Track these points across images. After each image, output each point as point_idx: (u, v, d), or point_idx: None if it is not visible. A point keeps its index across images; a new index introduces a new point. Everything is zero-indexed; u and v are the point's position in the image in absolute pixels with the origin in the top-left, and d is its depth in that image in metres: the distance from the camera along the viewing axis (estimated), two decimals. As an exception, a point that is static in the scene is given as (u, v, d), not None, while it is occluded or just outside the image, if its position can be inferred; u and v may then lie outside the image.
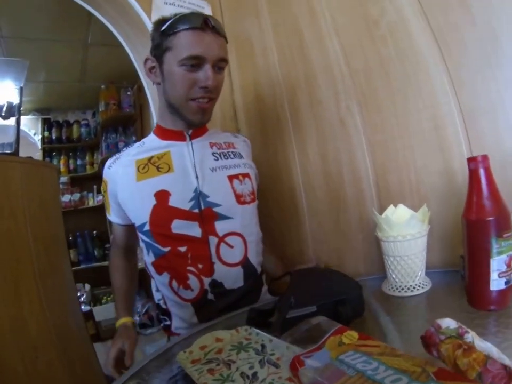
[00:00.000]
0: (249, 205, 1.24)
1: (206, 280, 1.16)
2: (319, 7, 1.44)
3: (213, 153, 1.25)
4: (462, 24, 1.08)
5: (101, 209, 4.64)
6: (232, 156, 1.28)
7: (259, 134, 1.67)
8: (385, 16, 1.25)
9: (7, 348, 1.45)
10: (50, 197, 2.00)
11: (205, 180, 1.19)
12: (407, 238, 0.98)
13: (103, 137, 4.52)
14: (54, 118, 5.14)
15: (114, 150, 4.34)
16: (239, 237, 1.21)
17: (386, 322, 0.87)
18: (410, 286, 1.01)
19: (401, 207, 1.10)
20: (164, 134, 1.26)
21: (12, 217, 1.58)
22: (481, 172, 0.81)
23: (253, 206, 1.28)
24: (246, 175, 1.27)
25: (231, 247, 1.19)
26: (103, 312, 3.89)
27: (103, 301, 4.17)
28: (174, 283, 1.18)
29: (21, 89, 2.01)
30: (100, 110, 4.44)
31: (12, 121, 1.95)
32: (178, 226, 1.15)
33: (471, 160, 0.83)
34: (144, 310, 3.78)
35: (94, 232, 4.86)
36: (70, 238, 4.68)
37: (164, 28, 1.11)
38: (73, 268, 4.13)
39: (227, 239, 1.19)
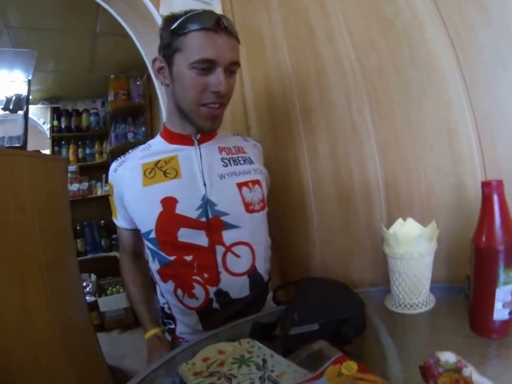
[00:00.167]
0: (258, 213, 1.21)
1: (212, 290, 1.14)
2: (329, 2, 1.39)
3: (222, 159, 1.21)
4: (477, 25, 1.03)
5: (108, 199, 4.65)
6: (241, 162, 1.24)
7: (269, 130, 1.64)
8: (400, 16, 1.19)
9: (12, 341, 1.46)
10: (58, 190, 2.01)
11: (213, 187, 1.15)
12: (414, 256, 0.96)
13: (112, 127, 4.51)
14: (63, 107, 5.13)
15: (123, 140, 4.37)
16: (246, 247, 1.18)
17: (388, 344, 0.85)
18: (414, 303, 0.99)
19: (410, 222, 1.06)
20: (172, 137, 1.22)
21: (19, 211, 1.59)
22: (495, 198, 0.78)
23: (262, 214, 1.24)
24: (256, 182, 1.23)
25: (238, 256, 1.16)
26: (107, 303, 3.90)
27: (108, 291, 4.16)
28: (179, 291, 1.16)
29: (29, 81, 2.00)
30: (109, 99, 4.42)
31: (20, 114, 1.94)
32: (185, 235, 1.12)
33: (485, 185, 0.80)
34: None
35: (102, 222, 4.85)
36: (78, 228, 4.70)
37: (173, 26, 1.05)
38: (79, 258, 4.20)
39: (234, 248, 1.16)
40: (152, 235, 1.14)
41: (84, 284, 4.12)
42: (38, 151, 2.06)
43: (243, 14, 1.75)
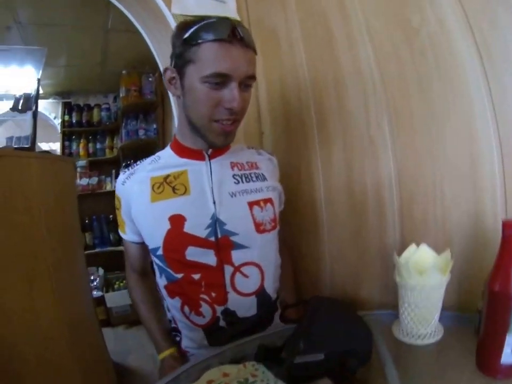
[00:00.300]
0: (269, 233, 1.16)
1: (219, 309, 1.11)
2: (351, 5, 1.31)
3: (233, 175, 1.16)
4: (509, 39, 0.96)
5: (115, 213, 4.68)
6: (254, 179, 1.18)
7: (283, 137, 1.59)
8: (426, 25, 1.11)
9: (18, 339, 1.49)
10: (65, 190, 2.02)
11: (223, 206, 1.11)
12: (426, 289, 0.93)
13: (123, 124, 4.48)
14: (75, 102, 5.13)
15: (134, 137, 4.35)
16: (255, 267, 1.14)
17: (392, 377, 0.82)
18: (422, 333, 0.96)
19: (423, 249, 1.02)
20: (182, 151, 1.17)
21: (26, 212, 1.59)
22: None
23: (273, 234, 1.20)
24: (268, 201, 1.18)
25: (247, 277, 1.13)
26: (114, 298, 3.92)
27: (116, 286, 4.20)
28: (186, 308, 1.14)
29: (38, 80, 1.99)
30: (121, 95, 4.39)
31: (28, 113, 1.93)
32: (193, 254, 1.09)
33: (507, 225, 0.76)
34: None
35: (111, 216, 4.85)
36: (86, 221, 4.72)
37: (186, 35, 0.99)
38: (88, 251, 4.30)
39: (243, 268, 1.12)
40: (160, 252, 1.11)
41: (92, 278, 4.17)
42: (48, 151, 2.06)
43: (258, 12, 1.69)
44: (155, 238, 1.11)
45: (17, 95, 1.87)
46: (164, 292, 1.19)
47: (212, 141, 1.08)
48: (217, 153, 1.17)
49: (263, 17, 1.67)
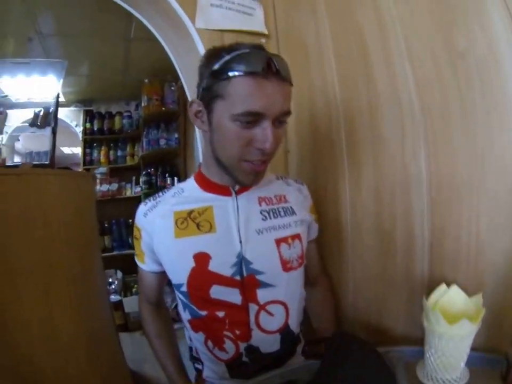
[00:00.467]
0: (295, 271, 1.12)
1: (242, 345, 1.09)
2: (390, 22, 1.21)
3: (261, 211, 1.10)
4: None
5: (137, 200, 4.73)
6: (282, 213, 1.13)
7: (309, 155, 1.51)
8: (474, 49, 1.01)
9: (36, 352, 1.48)
10: (84, 204, 2.03)
11: (249, 244, 1.06)
12: (455, 339, 0.88)
13: (145, 133, 4.48)
14: (97, 109, 5.17)
15: (156, 146, 4.34)
16: (281, 305, 1.11)
17: None
18: (447, 379, 0.92)
19: (454, 291, 0.96)
20: (208, 185, 1.11)
21: (44, 227, 1.60)
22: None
23: (300, 271, 1.16)
24: (296, 237, 1.12)
25: (272, 315, 1.09)
26: (132, 303, 3.91)
27: (134, 289, 4.23)
28: (209, 343, 1.12)
29: (57, 96, 2.01)
30: (143, 104, 4.38)
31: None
32: (218, 292, 1.05)
33: None
34: (174, 305, 3.81)
35: (130, 220, 4.88)
36: (106, 225, 4.79)
37: (215, 67, 0.92)
38: (106, 254, 4.40)
39: (268, 307, 1.09)
40: (184, 288, 1.08)
41: (110, 280, 4.21)
42: (68, 167, 2.08)
43: (287, 24, 1.61)
44: (179, 274, 1.08)
45: (36, 111, 1.89)
46: (187, 325, 1.17)
47: (240, 180, 1.03)
48: (245, 188, 1.11)
49: (292, 29, 1.58)
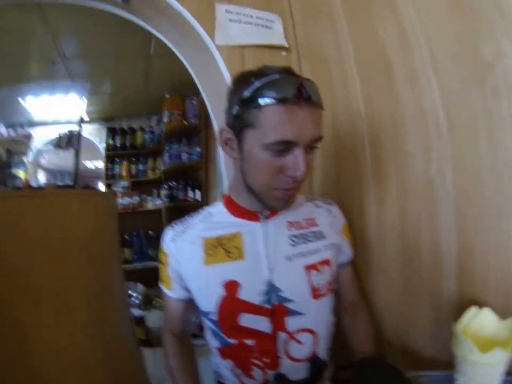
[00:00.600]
0: (324, 297, 1.09)
1: (270, 373, 1.06)
2: (412, 34, 1.16)
3: (290, 237, 1.07)
4: None
5: (158, 213, 4.84)
6: (312, 238, 1.10)
7: (333, 171, 1.48)
8: (501, 58, 0.95)
9: (55, 371, 1.52)
10: (105, 223, 2.08)
11: (278, 271, 1.04)
12: (487, 367, 0.85)
13: (166, 147, 4.51)
14: (119, 126, 5.24)
15: (177, 160, 4.37)
16: (310, 333, 1.07)
17: None
18: None
19: (485, 314, 0.92)
20: (236, 210, 1.10)
21: (65, 247, 1.65)
22: None
23: (329, 297, 1.12)
24: (325, 262, 1.09)
25: (300, 343, 1.06)
26: (154, 318, 3.91)
27: (154, 302, 4.22)
28: (237, 370, 1.09)
29: (81, 118, 2.07)
30: (164, 119, 4.41)
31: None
32: (247, 320, 1.03)
33: None
34: (198, 320, 3.78)
35: (150, 232, 4.96)
36: (126, 237, 4.84)
37: (245, 94, 0.90)
38: (127, 266, 4.40)
39: (297, 335, 1.06)
40: (212, 316, 1.06)
41: (130, 292, 4.24)
42: (89, 186, 2.13)
43: (307, 36, 1.59)
44: (208, 302, 1.07)
45: (60, 133, 1.95)
46: (214, 351, 1.14)
47: (271, 206, 1.01)
48: (273, 213, 1.09)
49: (313, 41, 1.56)
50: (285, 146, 0.88)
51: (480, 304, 0.95)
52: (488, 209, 1.01)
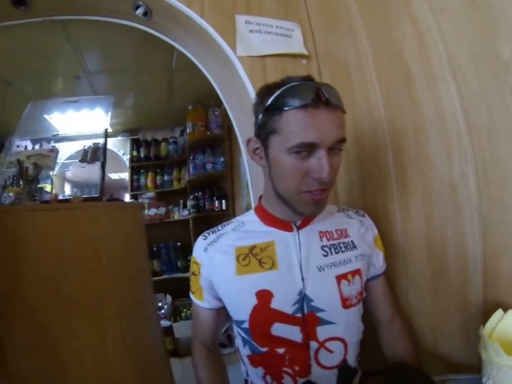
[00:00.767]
0: (355, 307, 1.10)
1: (301, 380, 1.06)
2: (429, 35, 1.15)
3: (322, 247, 1.09)
4: None
5: (186, 223, 4.81)
6: (343, 249, 1.11)
7: (357, 178, 1.49)
8: None
9: (87, 381, 1.53)
10: (134, 234, 2.10)
11: (311, 281, 1.05)
12: None
13: (191, 158, 4.54)
14: (143, 137, 5.30)
15: (202, 170, 4.38)
16: (340, 342, 1.08)
17: None
18: None
19: (511, 317, 0.92)
20: (269, 219, 1.11)
21: (96, 259, 1.67)
22: None
23: (359, 307, 1.12)
24: (356, 273, 1.10)
25: (331, 352, 1.07)
26: (182, 328, 3.94)
27: (183, 314, 4.24)
28: (268, 378, 1.10)
29: (106, 131, 2.08)
30: (188, 130, 4.45)
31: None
32: (279, 329, 1.04)
33: None
34: (223, 329, 3.76)
35: (178, 243, 4.94)
36: (154, 249, 4.83)
37: (267, 104, 0.95)
38: (155, 278, 4.36)
39: (327, 344, 1.06)
40: (245, 325, 1.07)
41: (160, 304, 4.25)
42: (118, 199, 2.15)
43: (326, 44, 1.61)
44: (241, 311, 1.08)
45: (85, 147, 1.97)
46: (245, 360, 1.14)
47: (301, 212, 1.02)
48: (306, 223, 1.10)
49: (332, 48, 1.58)
50: (307, 149, 0.91)
51: (507, 307, 0.94)
52: (510, 211, 1.00)
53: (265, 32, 1.59)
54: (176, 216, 5.11)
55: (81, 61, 3.14)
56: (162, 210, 5.03)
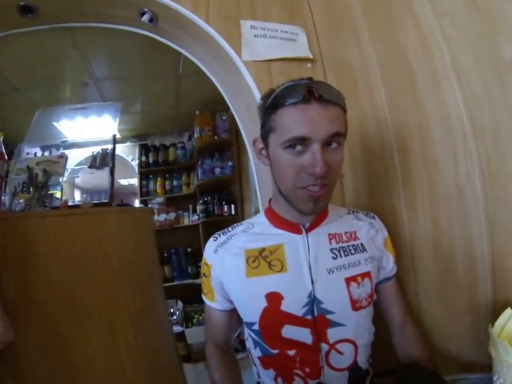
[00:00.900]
0: (364, 310, 1.09)
1: (312, 383, 1.06)
2: (432, 37, 1.16)
3: (331, 249, 1.09)
4: None
5: (196, 228, 4.80)
6: (352, 251, 1.10)
7: (363, 180, 1.49)
8: None
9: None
10: (144, 239, 2.10)
11: (320, 284, 1.05)
12: None
13: (199, 163, 4.56)
14: (151, 143, 5.32)
15: (210, 175, 4.40)
16: (350, 344, 1.08)
17: None
18: None
19: None
20: (278, 222, 1.12)
21: (107, 264, 1.67)
22: None
23: (369, 309, 1.12)
24: (365, 275, 1.09)
25: (341, 353, 1.07)
26: (194, 334, 3.93)
27: (194, 320, 4.22)
28: (279, 380, 1.10)
29: (114, 137, 2.09)
30: (195, 135, 4.47)
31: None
32: (289, 331, 1.04)
33: None
34: (236, 334, 3.76)
35: (189, 249, 4.92)
36: (165, 255, 4.81)
37: (267, 105, 0.99)
38: (166, 284, 4.37)
39: (338, 345, 1.06)
40: (256, 327, 1.07)
41: (171, 310, 4.24)
42: (128, 204, 2.15)
43: (331, 48, 1.61)
44: (251, 313, 1.08)
45: (94, 152, 1.98)
46: (256, 362, 1.15)
47: (300, 209, 1.01)
48: (315, 225, 1.11)
49: (337, 52, 1.59)
50: (300, 143, 0.93)
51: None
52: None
53: (270, 36, 1.60)
54: (186, 222, 5.10)
55: (88, 68, 3.18)
56: (172, 215, 5.03)
